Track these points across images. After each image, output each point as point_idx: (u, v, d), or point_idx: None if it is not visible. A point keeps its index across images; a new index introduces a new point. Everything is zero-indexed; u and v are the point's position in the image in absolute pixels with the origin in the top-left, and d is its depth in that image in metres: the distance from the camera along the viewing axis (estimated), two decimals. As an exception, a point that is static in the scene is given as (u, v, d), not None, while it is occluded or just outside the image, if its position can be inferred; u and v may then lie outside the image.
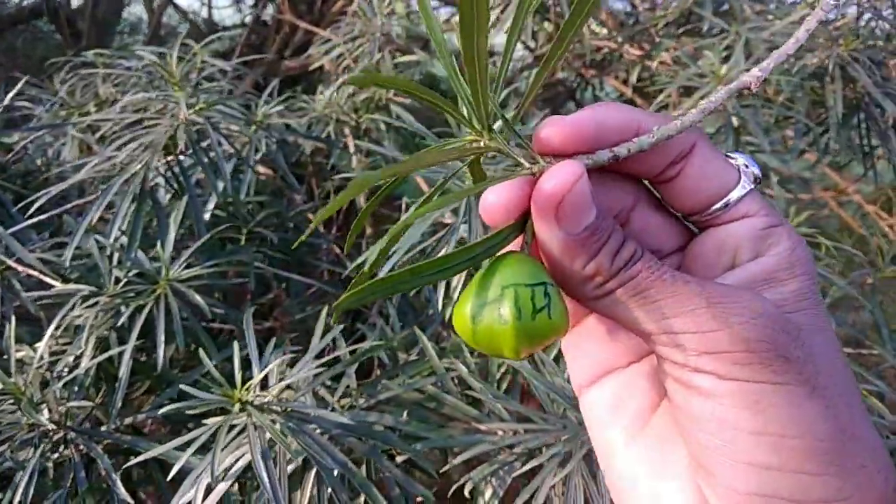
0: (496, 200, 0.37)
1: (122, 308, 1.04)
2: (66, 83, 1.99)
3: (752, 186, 0.39)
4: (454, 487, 0.91)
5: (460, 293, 0.39)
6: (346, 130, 1.93)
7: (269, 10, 4.55)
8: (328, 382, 1.06)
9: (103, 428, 1.02)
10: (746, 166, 0.39)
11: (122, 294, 1.06)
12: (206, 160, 1.18)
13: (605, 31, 2.45)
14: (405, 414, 0.98)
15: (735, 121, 1.42)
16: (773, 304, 0.35)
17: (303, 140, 1.76)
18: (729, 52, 1.48)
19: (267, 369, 0.85)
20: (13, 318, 1.02)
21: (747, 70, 1.36)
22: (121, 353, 1.01)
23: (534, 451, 0.90)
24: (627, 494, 0.40)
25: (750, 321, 0.33)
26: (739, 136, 1.45)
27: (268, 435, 0.83)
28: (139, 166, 1.13)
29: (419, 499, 1.00)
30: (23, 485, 0.88)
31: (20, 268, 1.16)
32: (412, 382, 1.06)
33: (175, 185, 1.20)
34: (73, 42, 3.70)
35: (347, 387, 1.03)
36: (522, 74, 3.53)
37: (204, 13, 4.80)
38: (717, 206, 0.38)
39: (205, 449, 0.86)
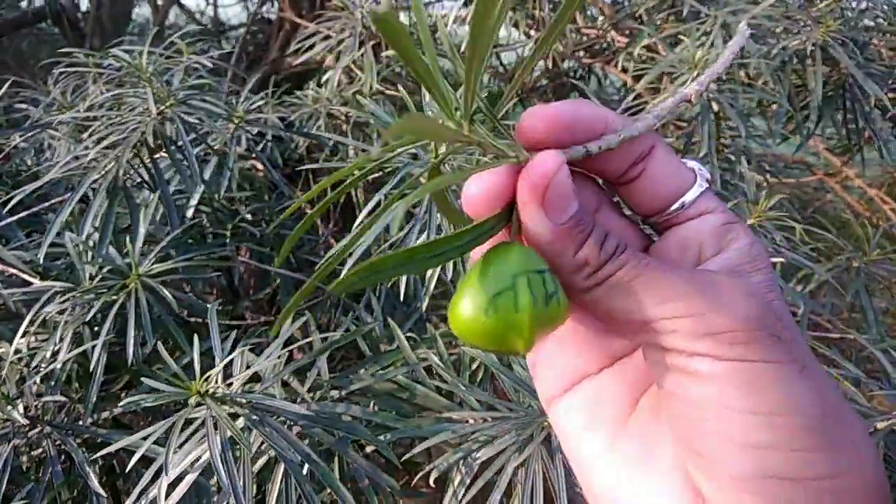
0: (478, 191, 0.37)
1: (94, 303, 1.05)
2: (58, 84, 2.02)
3: (707, 185, 0.40)
4: (419, 476, 0.92)
5: (454, 291, 0.37)
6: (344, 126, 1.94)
7: (274, 7, 4.57)
8: (308, 374, 1.07)
9: (80, 422, 1.04)
10: (700, 169, 0.41)
11: (94, 289, 1.07)
12: (179, 156, 1.19)
13: (600, 18, 2.44)
14: (372, 405, 0.98)
15: (715, 106, 1.41)
16: (757, 287, 0.36)
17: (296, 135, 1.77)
18: (706, 38, 1.47)
19: (226, 360, 0.86)
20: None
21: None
22: (94, 348, 1.02)
23: (495, 438, 0.90)
24: (611, 501, 0.40)
25: (742, 301, 0.34)
26: (720, 121, 1.44)
27: (227, 433, 0.83)
28: (111, 163, 1.14)
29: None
30: (-6, 478, 0.89)
31: (1, 266, 1.17)
32: (384, 373, 1.07)
33: (149, 181, 1.21)
34: (77, 45, 3.74)
35: (318, 377, 1.04)
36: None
37: (210, 12, 4.82)
38: (677, 205, 0.40)
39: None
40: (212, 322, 0.93)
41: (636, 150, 0.39)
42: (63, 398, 1.01)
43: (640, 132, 0.39)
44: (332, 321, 1.42)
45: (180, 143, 1.21)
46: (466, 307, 0.35)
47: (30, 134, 1.43)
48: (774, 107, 1.56)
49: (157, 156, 1.26)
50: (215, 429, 0.81)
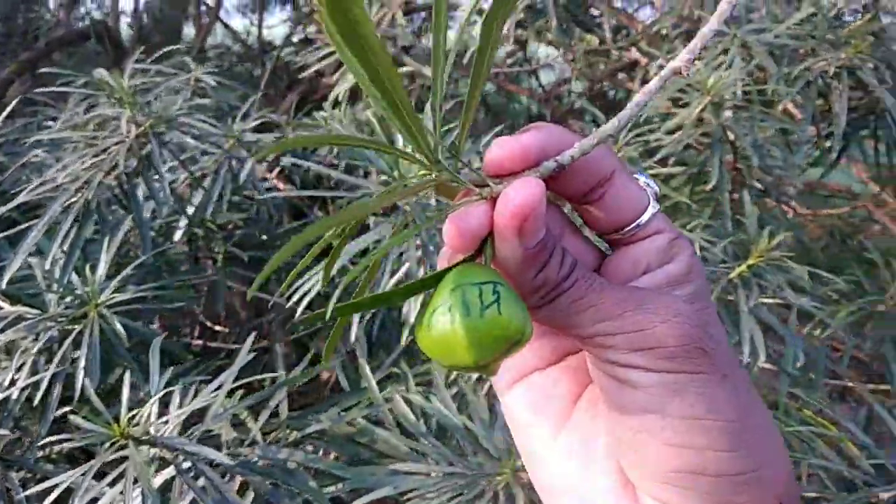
0: (465, 227, 0.38)
1: (54, 333, 1.02)
2: (81, 103, 2.03)
3: (659, 206, 0.42)
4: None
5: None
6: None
7: (312, 29, 4.60)
8: (262, 412, 1.00)
9: (28, 456, 1.00)
10: (648, 185, 0.43)
11: (55, 317, 1.03)
12: (156, 178, 1.15)
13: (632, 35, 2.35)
14: (322, 451, 0.91)
15: (730, 134, 1.31)
16: (688, 304, 0.39)
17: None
18: (724, 56, 1.37)
19: (157, 395, 0.81)
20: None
21: (740, 76, 1.24)
22: (44, 379, 0.98)
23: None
24: (556, 490, 0.44)
25: (671, 320, 0.38)
26: (736, 149, 1.34)
27: (157, 480, 0.77)
28: (83, 186, 1.11)
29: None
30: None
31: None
32: (346, 415, 1.00)
33: (124, 204, 1.17)
34: (119, 62, 3.82)
35: (276, 417, 0.98)
36: (563, 88, 3.42)
37: (255, 32, 4.87)
38: (632, 226, 0.42)
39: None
40: (153, 356, 0.88)
41: (598, 174, 0.41)
42: (7, 432, 0.97)
43: (618, 127, 0.40)
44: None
45: (167, 167, 1.17)
46: (419, 327, 0.37)
47: (14, 152, 1.41)
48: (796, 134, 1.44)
49: (126, 174, 1.22)
50: (135, 479, 0.75)
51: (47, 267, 1.08)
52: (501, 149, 0.38)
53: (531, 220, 0.37)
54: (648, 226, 0.42)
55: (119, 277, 1.04)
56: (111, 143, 1.15)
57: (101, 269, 1.05)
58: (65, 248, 1.11)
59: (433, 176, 0.39)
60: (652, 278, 0.41)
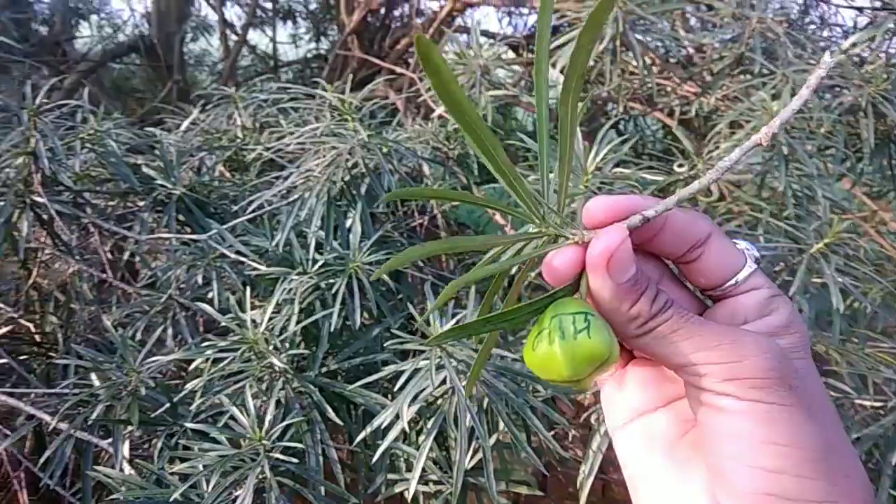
0: (560, 262, 0.46)
1: (322, 284, 1.38)
2: (206, 112, 2.35)
3: (756, 266, 0.48)
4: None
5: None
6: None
7: (324, 45, 4.93)
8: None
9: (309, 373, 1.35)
10: (748, 249, 0.49)
11: (320, 273, 1.40)
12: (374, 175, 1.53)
13: (654, 68, 2.74)
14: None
15: (785, 150, 1.74)
16: (780, 345, 0.44)
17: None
18: (774, 90, 1.80)
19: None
20: (247, 288, 1.36)
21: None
22: (324, 318, 1.34)
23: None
24: None
25: (763, 355, 0.42)
26: (788, 163, 1.76)
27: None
28: (324, 179, 1.48)
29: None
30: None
31: (232, 255, 1.50)
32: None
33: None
34: (166, 75, 4.14)
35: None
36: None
37: (262, 49, 5.16)
38: (730, 282, 0.47)
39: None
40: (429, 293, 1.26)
41: (695, 235, 0.47)
42: (304, 351, 1.33)
43: (699, 188, 0.45)
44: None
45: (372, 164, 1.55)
46: (526, 349, 0.45)
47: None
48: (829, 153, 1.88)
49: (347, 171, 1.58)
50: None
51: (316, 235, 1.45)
52: (597, 204, 0.46)
53: (617, 257, 0.43)
54: (746, 282, 0.47)
55: (368, 245, 1.41)
56: (344, 148, 1.52)
57: (355, 238, 1.42)
58: (318, 224, 1.47)
59: (542, 230, 0.47)
60: (752, 328, 0.46)
